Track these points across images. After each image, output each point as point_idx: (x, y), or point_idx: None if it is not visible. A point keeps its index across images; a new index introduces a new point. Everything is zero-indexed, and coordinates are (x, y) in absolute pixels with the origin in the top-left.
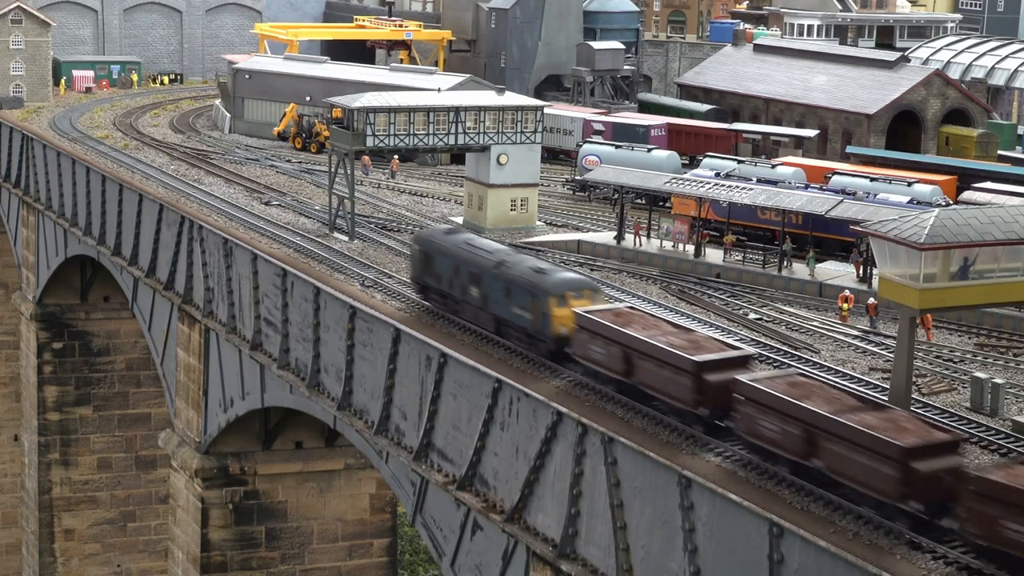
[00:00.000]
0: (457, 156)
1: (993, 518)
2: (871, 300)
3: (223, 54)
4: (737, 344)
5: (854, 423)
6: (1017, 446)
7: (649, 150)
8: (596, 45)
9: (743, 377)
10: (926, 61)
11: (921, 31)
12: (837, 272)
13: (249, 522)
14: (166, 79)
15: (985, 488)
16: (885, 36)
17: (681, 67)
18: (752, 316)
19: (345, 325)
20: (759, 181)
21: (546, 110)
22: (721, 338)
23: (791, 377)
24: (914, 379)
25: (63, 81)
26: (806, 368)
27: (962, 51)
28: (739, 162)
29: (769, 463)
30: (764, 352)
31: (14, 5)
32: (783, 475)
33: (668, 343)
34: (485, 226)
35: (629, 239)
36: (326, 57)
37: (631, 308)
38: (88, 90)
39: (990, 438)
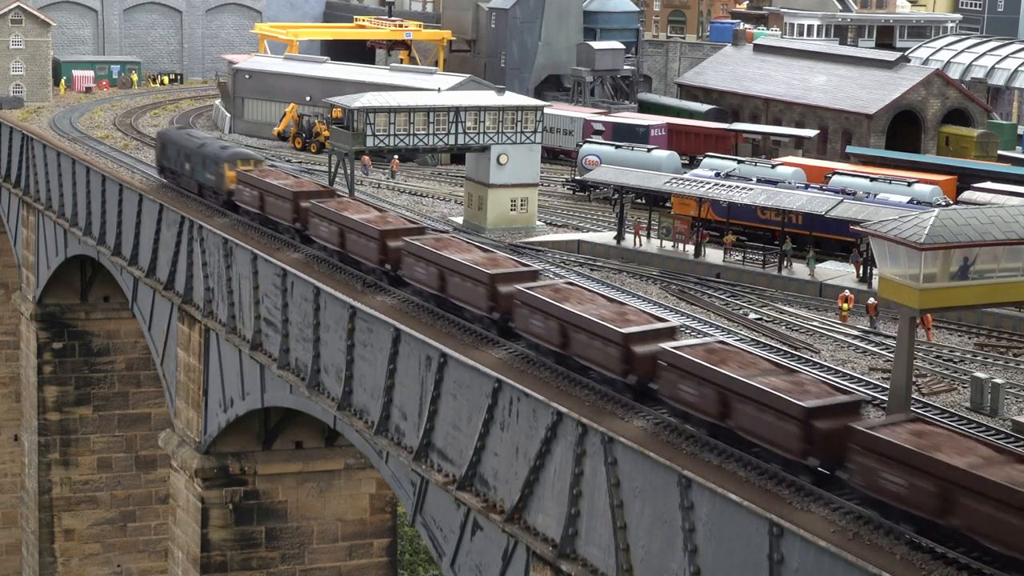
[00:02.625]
0: (457, 156)
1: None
2: (871, 300)
3: (223, 54)
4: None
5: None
6: (1018, 445)
7: (649, 150)
8: (596, 45)
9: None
10: (926, 61)
11: (921, 31)
12: (837, 272)
13: (249, 522)
14: (166, 79)
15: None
16: (885, 36)
17: (681, 67)
18: (752, 316)
19: (345, 325)
20: (759, 181)
21: (546, 110)
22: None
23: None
24: (914, 379)
25: (63, 81)
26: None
27: (962, 51)
28: (739, 162)
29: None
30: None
31: (14, 5)
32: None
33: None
34: (485, 226)
35: (629, 239)
36: (326, 57)
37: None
38: (88, 90)
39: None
